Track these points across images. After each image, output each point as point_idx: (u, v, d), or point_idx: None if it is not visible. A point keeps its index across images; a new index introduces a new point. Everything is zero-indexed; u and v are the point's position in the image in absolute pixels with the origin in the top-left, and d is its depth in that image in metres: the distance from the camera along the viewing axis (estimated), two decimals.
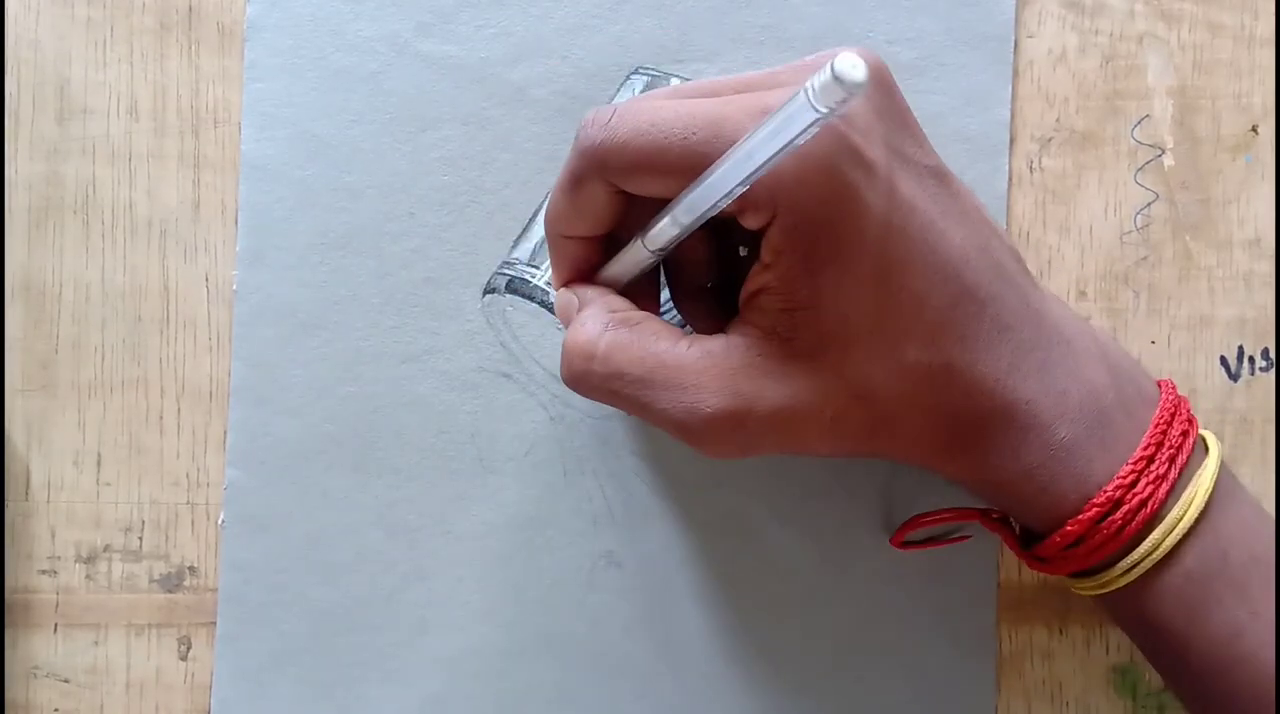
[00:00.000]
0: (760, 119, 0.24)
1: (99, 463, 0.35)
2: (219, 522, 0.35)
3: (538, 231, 0.34)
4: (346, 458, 0.35)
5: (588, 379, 0.28)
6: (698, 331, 0.30)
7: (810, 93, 0.21)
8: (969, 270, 0.27)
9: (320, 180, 0.35)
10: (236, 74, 0.36)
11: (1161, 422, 0.29)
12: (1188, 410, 0.30)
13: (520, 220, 0.35)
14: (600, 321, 0.28)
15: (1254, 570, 0.28)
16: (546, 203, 0.30)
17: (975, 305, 0.27)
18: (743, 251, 0.32)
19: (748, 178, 0.24)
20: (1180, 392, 0.36)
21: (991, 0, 0.36)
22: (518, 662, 0.35)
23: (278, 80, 0.35)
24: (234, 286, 0.35)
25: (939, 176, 0.28)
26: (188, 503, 0.35)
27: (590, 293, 0.29)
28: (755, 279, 0.27)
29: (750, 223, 0.27)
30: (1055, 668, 0.36)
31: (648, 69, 0.34)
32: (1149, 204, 0.36)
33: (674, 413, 0.27)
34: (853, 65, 0.20)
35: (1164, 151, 0.37)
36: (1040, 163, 0.36)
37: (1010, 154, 0.36)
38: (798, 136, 0.22)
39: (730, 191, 0.25)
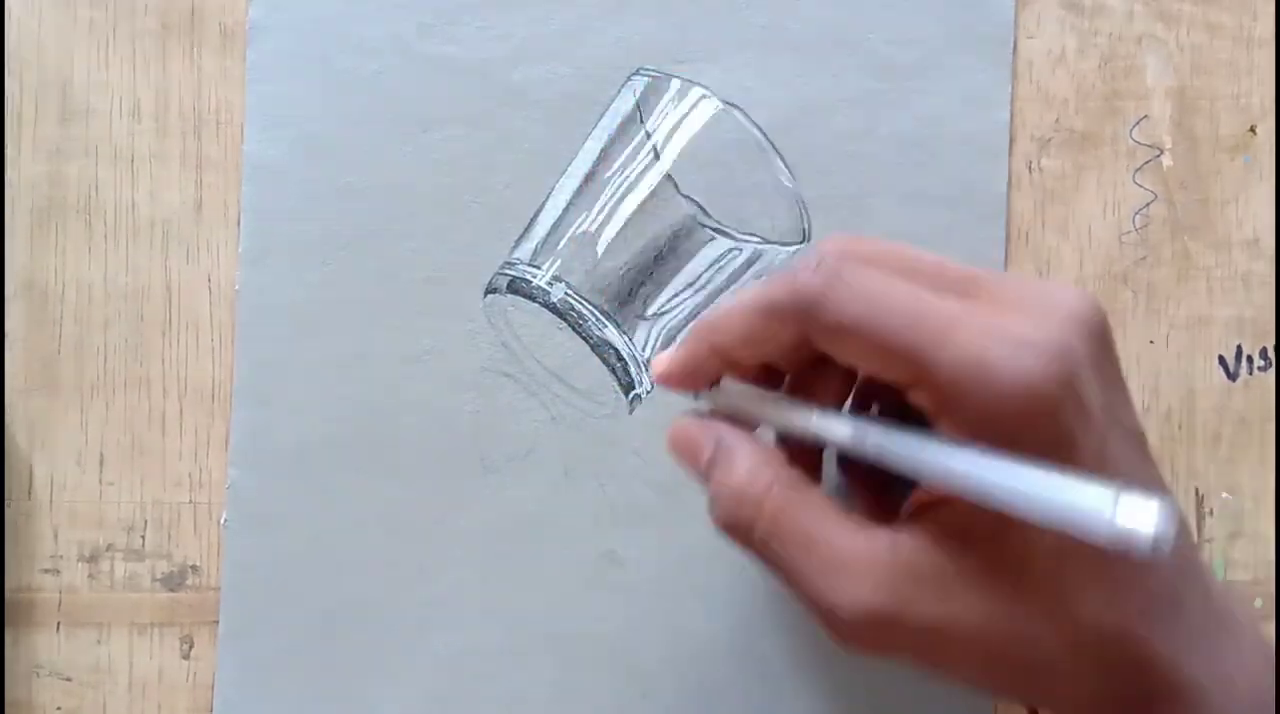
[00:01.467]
0: (994, 341, 0.23)
1: (101, 462, 0.36)
2: (221, 521, 0.35)
3: (538, 232, 0.34)
4: (349, 457, 0.35)
5: (749, 531, 0.27)
6: (855, 499, 0.29)
7: (1111, 510, 0.21)
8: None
9: (322, 181, 0.35)
10: (239, 75, 0.36)
11: None
12: None
13: (522, 220, 0.35)
14: (765, 475, 0.27)
15: None
16: (716, 314, 0.28)
17: (1158, 578, 0.26)
18: (874, 410, 0.30)
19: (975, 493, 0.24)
20: (1178, 391, 0.36)
21: (991, 1, 0.36)
22: (519, 660, 0.35)
23: (280, 81, 0.36)
24: (236, 287, 0.36)
25: (1141, 444, 0.27)
26: (190, 502, 0.36)
27: (736, 435, 0.28)
28: (952, 505, 0.26)
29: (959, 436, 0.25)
30: None
31: (649, 70, 0.34)
32: (1148, 204, 0.37)
33: (827, 596, 0.25)
34: (1149, 524, 0.21)
35: (1163, 152, 0.37)
36: (1039, 163, 0.36)
37: (1010, 154, 0.36)
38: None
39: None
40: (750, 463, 0.27)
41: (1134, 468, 0.26)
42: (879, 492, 0.29)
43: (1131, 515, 0.21)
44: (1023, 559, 0.25)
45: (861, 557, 0.26)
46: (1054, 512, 0.23)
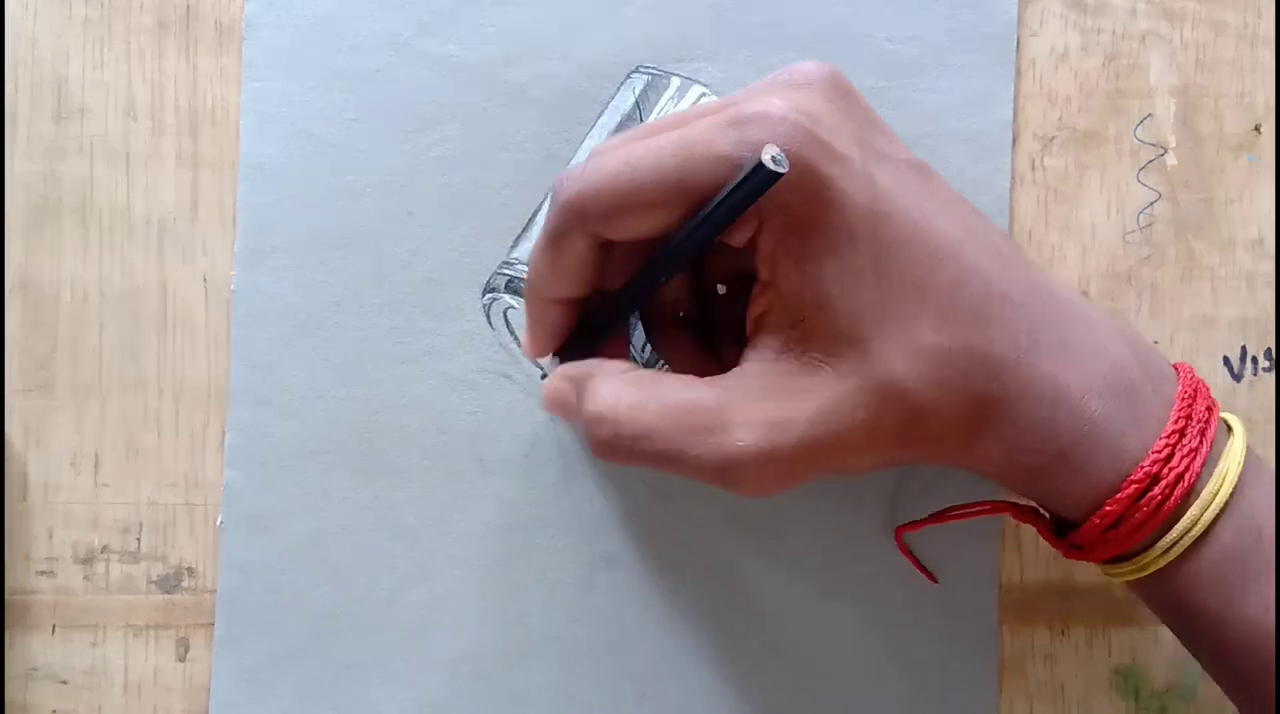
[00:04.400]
0: (727, 132, 0.25)
1: (97, 464, 0.35)
2: (217, 523, 0.35)
3: (537, 231, 0.34)
4: (346, 459, 0.35)
5: (617, 445, 0.28)
6: (680, 369, 0.30)
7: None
8: (965, 251, 0.27)
9: (319, 180, 0.35)
10: (235, 73, 0.36)
11: (1186, 396, 0.28)
12: (1206, 388, 0.30)
13: (520, 220, 0.35)
14: (612, 387, 0.28)
15: None
16: (530, 272, 0.30)
17: (980, 284, 0.27)
18: (721, 289, 0.32)
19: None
20: None
21: None
22: (517, 663, 0.35)
23: (276, 79, 0.35)
24: (232, 287, 0.35)
25: (917, 169, 0.28)
26: (186, 504, 0.35)
27: (586, 367, 0.30)
28: (757, 302, 0.27)
29: (738, 239, 0.27)
30: (1057, 669, 0.36)
31: (648, 68, 0.34)
32: (1151, 203, 0.36)
33: (707, 458, 0.26)
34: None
35: (1166, 151, 0.36)
36: (1043, 162, 0.36)
37: (1013, 153, 0.36)
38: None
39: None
40: (597, 382, 0.29)
41: (913, 190, 0.27)
42: (696, 350, 0.31)
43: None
44: (851, 325, 0.26)
45: (720, 404, 0.27)
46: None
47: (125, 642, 0.35)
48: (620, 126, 0.33)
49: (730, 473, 0.27)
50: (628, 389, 0.28)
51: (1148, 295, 0.36)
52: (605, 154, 0.27)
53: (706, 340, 0.32)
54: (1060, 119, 0.36)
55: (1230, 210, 0.36)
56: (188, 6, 0.36)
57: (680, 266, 0.28)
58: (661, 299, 0.31)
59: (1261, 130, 0.36)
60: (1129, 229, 0.36)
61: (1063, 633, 0.36)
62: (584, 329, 0.31)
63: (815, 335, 0.27)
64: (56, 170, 0.35)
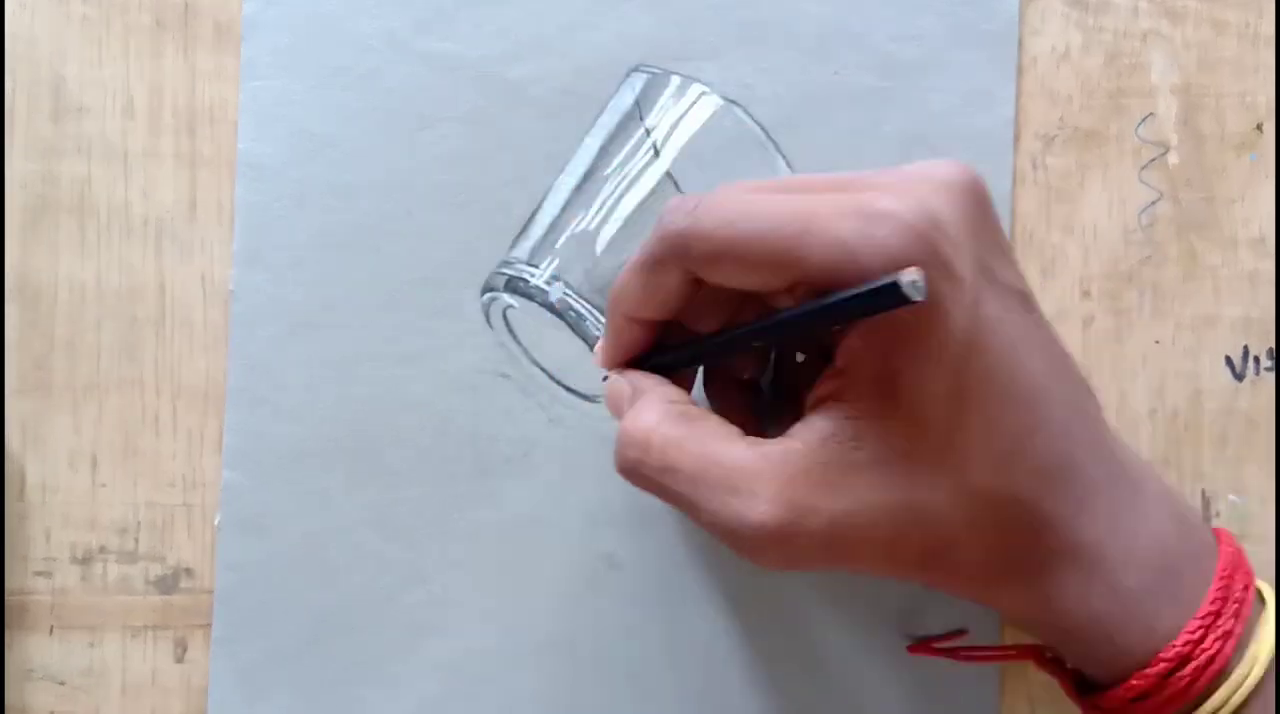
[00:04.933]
0: (853, 220, 0.24)
1: (94, 464, 0.35)
2: (215, 523, 0.35)
3: (536, 230, 0.34)
4: (344, 459, 0.35)
5: (640, 470, 0.27)
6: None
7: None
8: (1046, 402, 0.26)
9: (317, 179, 0.35)
10: (233, 72, 0.35)
11: (1225, 574, 0.28)
12: (1246, 561, 0.29)
13: (519, 219, 0.35)
14: (656, 412, 0.27)
15: None
16: (617, 285, 0.29)
17: (1049, 438, 0.26)
18: (800, 357, 0.31)
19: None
20: (1185, 392, 0.36)
21: None
22: (517, 665, 0.35)
23: (275, 78, 0.35)
24: (230, 286, 0.35)
25: (1025, 302, 0.27)
26: (184, 504, 0.35)
27: (646, 381, 0.29)
28: (825, 384, 0.26)
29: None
30: None
31: (648, 67, 0.34)
32: (1153, 203, 0.36)
33: (722, 516, 0.26)
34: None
35: (1168, 150, 0.36)
36: (1044, 161, 0.36)
37: (1014, 152, 0.36)
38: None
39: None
40: (646, 402, 0.28)
41: (1019, 327, 0.26)
42: (748, 413, 0.30)
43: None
44: (909, 441, 0.25)
45: (753, 473, 0.26)
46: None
47: (123, 642, 0.35)
48: (620, 126, 0.33)
49: (741, 539, 0.26)
50: (668, 420, 0.27)
51: (1149, 295, 0.36)
52: (725, 199, 0.26)
53: (758, 395, 0.31)
54: (1062, 118, 0.36)
55: (1232, 209, 0.36)
56: (186, 5, 0.36)
57: (772, 342, 0.27)
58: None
59: (1263, 129, 0.36)
60: (1131, 228, 0.36)
61: None
62: (658, 351, 0.30)
63: (870, 436, 0.25)
64: (54, 169, 0.35)
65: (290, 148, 0.35)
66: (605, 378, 0.30)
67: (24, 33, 0.35)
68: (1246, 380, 0.36)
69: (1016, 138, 0.36)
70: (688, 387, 0.30)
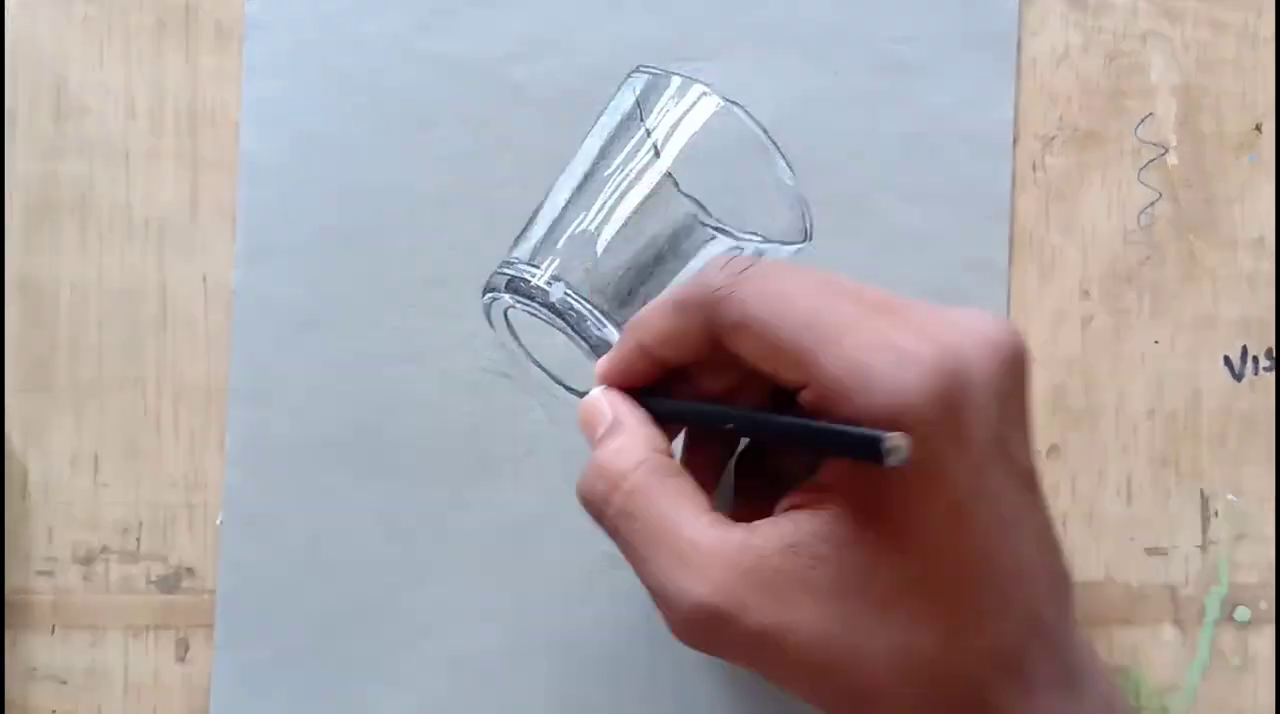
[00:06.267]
0: (884, 352, 0.23)
1: (96, 463, 0.35)
2: (217, 523, 0.35)
3: (538, 231, 0.34)
4: (345, 458, 0.35)
5: (602, 507, 0.27)
6: (740, 503, 0.30)
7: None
8: (1020, 587, 0.25)
9: (319, 180, 0.35)
10: (235, 73, 0.36)
11: None
12: None
13: (520, 219, 0.35)
14: (638, 456, 0.27)
15: None
16: (643, 312, 0.29)
17: (1012, 624, 0.25)
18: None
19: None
20: (1184, 392, 0.36)
21: None
22: (518, 663, 0.35)
23: (276, 79, 0.35)
24: (232, 286, 0.35)
25: (1028, 481, 0.26)
26: (185, 504, 0.35)
27: (631, 417, 0.28)
28: (804, 494, 0.26)
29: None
30: None
31: (648, 67, 0.34)
32: (1152, 203, 0.36)
33: (664, 581, 0.25)
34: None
35: (1167, 150, 0.36)
36: (1043, 162, 0.36)
37: (1013, 153, 0.36)
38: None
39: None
40: (624, 440, 0.27)
41: (1014, 506, 0.25)
42: (766, 500, 0.28)
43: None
44: (869, 580, 0.25)
45: (707, 552, 0.25)
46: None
47: (125, 642, 0.35)
48: (620, 126, 0.33)
49: (673, 609, 0.25)
50: (647, 468, 0.27)
51: (1149, 295, 0.36)
52: (772, 276, 0.26)
53: (773, 474, 0.30)
54: (1061, 119, 0.36)
55: (1231, 210, 0.36)
56: (187, 6, 0.36)
57: (756, 438, 0.27)
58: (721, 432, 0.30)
59: (1262, 129, 0.36)
60: (1130, 229, 0.36)
61: None
62: (650, 392, 0.30)
63: (831, 563, 0.25)
64: (56, 170, 0.35)
65: (292, 148, 0.35)
66: (584, 393, 0.30)
67: (26, 33, 0.35)
68: (1245, 381, 0.36)
69: (1016, 138, 0.36)
70: (671, 434, 0.30)
